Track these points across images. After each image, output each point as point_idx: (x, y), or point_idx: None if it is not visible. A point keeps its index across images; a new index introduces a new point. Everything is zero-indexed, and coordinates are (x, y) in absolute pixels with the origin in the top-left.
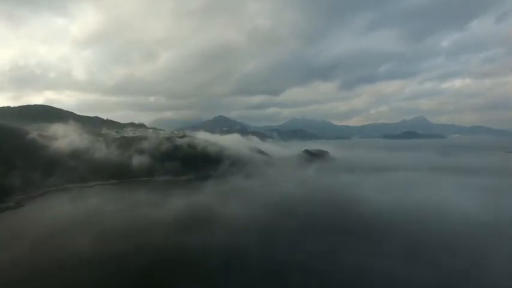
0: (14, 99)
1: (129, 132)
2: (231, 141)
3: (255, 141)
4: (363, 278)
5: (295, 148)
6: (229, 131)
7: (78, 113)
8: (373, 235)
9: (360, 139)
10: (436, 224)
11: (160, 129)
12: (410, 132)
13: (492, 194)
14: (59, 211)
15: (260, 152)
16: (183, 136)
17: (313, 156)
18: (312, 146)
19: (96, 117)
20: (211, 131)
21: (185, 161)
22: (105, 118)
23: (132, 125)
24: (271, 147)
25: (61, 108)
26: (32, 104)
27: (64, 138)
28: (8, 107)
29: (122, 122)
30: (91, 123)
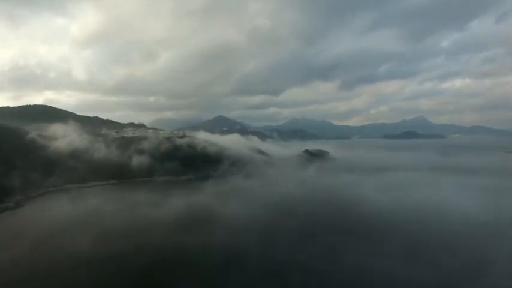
0: (14, 99)
1: (129, 133)
2: (231, 141)
3: (255, 141)
4: (363, 278)
5: (295, 148)
6: (229, 131)
7: (78, 113)
8: (373, 235)
9: (360, 139)
10: (436, 224)
11: (160, 129)
12: (410, 132)
13: (492, 194)
14: (58, 211)
15: (260, 152)
16: (183, 136)
17: (313, 156)
18: (312, 146)
19: (96, 117)
20: (211, 131)
21: (185, 161)
22: (105, 118)
23: (132, 125)
24: (271, 147)
25: (61, 108)
26: (31, 104)
27: (64, 138)
28: (8, 107)
29: (121, 122)
30: (91, 123)
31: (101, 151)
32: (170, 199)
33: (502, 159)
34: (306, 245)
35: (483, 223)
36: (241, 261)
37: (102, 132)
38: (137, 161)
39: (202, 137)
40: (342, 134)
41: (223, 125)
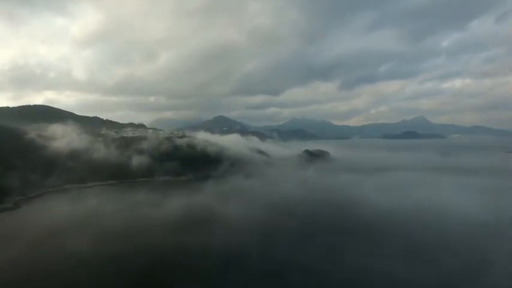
0: (14, 99)
1: (129, 133)
2: (230, 142)
3: (255, 142)
4: (363, 278)
5: (295, 148)
6: (229, 131)
7: (78, 113)
8: (373, 235)
9: (360, 139)
10: (436, 224)
11: (160, 129)
12: (410, 132)
13: (492, 194)
14: (57, 212)
15: (260, 152)
16: (183, 136)
17: (313, 156)
18: (312, 146)
19: (96, 117)
20: (211, 131)
21: (185, 161)
22: (104, 118)
23: (131, 125)
24: (271, 147)
25: (61, 108)
26: (31, 104)
27: (63, 138)
28: (7, 107)
29: (121, 122)
30: (90, 124)
31: (101, 151)
32: (170, 199)
33: (502, 159)
34: (306, 245)
35: (483, 223)
36: (241, 261)
37: (102, 132)
38: (137, 161)
39: (202, 137)
40: (342, 134)
41: (223, 125)
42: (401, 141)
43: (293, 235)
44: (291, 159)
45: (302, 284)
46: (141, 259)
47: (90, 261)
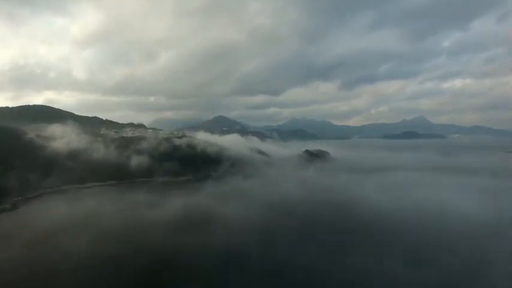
0: (14, 99)
1: (128, 133)
2: (230, 142)
3: (254, 142)
4: (363, 278)
5: (295, 148)
6: (229, 131)
7: (77, 113)
8: (373, 235)
9: (360, 139)
10: (436, 224)
11: (160, 130)
12: (410, 132)
13: (492, 194)
14: (55, 213)
15: (260, 152)
16: (182, 136)
17: (314, 156)
18: (312, 146)
19: (95, 117)
20: (211, 131)
21: (184, 162)
22: (104, 118)
23: (131, 125)
24: (271, 147)
25: (61, 108)
26: (31, 104)
27: (62, 138)
28: (7, 107)
29: (121, 122)
30: (90, 124)
31: (100, 151)
32: (169, 200)
33: (502, 159)
34: (306, 245)
35: (483, 223)
36: (241, 261)
37: (101, 132)
38: (136, 161)
39: (202, 137)
40: (342, 134)
41: (223, 125)
42: (401, 141)
43: (293, 235)
44: (291, 159)
45: (302, 284)
46: (140, 259)
47: (89, 262)
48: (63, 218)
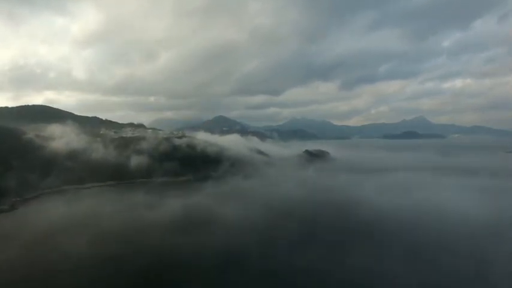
0: (14, 99)
1: (128, 133)
2: (230, 142)
3: (254, 142)
4: (363, 278)
5: (295, 148)
6: (229, 131)
7: (77, 113)
8: (374, 235)
9: (360, 139)
10: (436, 224)
11: (160, 130)
12: (410, 132)
13: (492, 195)
14: (54, 214)
15: (260, 152)
16: (182, 136)
17: (314, 156)
18: (312, 146)
19: (95, 117)
20: (211, 131)
21: (184, 162)
22: (104, 118)
23: (131, 125)
24: (271, 147)
25: (61, 108)
26: (31, 104)
27: (61, 138)
28: (6, 107)
29: (121, 122)
30: (89, 124)
31: (99, 152)
32: (169, 200)
33: (502, 160)
34: (306, 245)
35: (483, 223)
36: (241, 261)
37: (101, 132)
38: (136, 161)
39: (202, 137)
40: (342, 134)
41: (223, 125)
42: (401, 141)
43: (293, 235)
44: (291, 159)
45: (302, 284)
46: (140, 260)
47: (89, 263)
48: (62, 219)
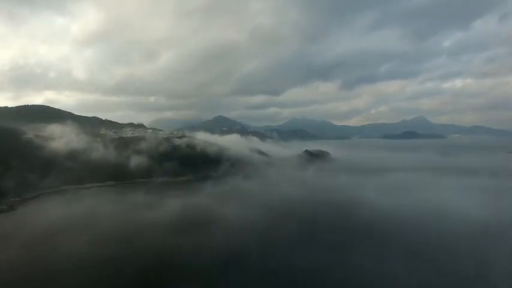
0: (14, 99)
1: (128, 133)
2: (230, 142)
3: (254, 142)
4: (363, 278)
5: (295, 148)
6: (229, 131)
7: (77, 113)
8: (374, 236)
9: (360, 139)
10: (436, 224)
11: (160, 130)
12: (410, 132)
13: (492, 195)
14: (53, 214)
15: (260, 152)
16: (182, 136)
17: (314, 156)
18: (312, 146)
19: (95, 117)
20: (211, 131)
21: (184, 162)
22: (104, 118)
23: (131, 125)
24: (271, 147)
25: (61, 108)
26: (30, 104)
27: (61, 138)
28: (6, 107)
29: (121, 122)
30: (89, 124)
31: (99, 152)
32: (169, 200)
33: (503, 160)
34: (306, 245)
35: (483, 224)
36: (241, 261)
37: (101, 132)
38: (135, 161)
39: (202, 137)
40: (342, 134)
41: (223, 125)
42: (401, 141)
43: (293, 235)
44: (291, 159)
45: (302, 284)
46: (140, 260)
47: (89, 263)
48: (62, 219)
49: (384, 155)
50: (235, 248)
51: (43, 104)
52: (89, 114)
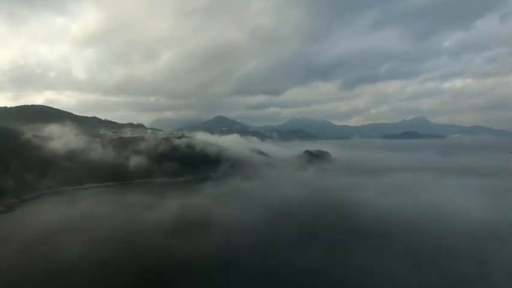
0: (14, 99)
1: (127, 133)
2: (230, 142)
3: (254, 142)
4: (363, 278)
5: (295, 148)
6: (229, 131)
7: (77, 114)
8: (374, 236)
9: (360, 139)
10: (436, 224)
11: (159, 130)
12: (410, 132)
13: (492, 195)
14: (52, 215)
15: (260, 152)
16: (182, 136)
17: (314, 156)
18: (312, 146)
19: (94, 117)
20: (211, 131)
21: (183, 162)
22: (104, 118)
23: (130, 125)
24: (271, 147)
25: (61, 108)
26: (30, 104)
27: (60, 139)
28: (5, 107)
29: (121, 122)
30: (89, 124)
31: (98, 152)
32: (168, 201)
33: (503, 160)
34: (306, 245)
35: (483, 224)
36: (242, 262)
37: (100, 132)
38: (134, 162)
39: (201, 137)
40: (342, 134)
41: (222, 125)
42: (401, 141)
43: (293, 236)
44: (291, 159)
45: (302, 285)
46: (140, 260)
47: (88, 264)
48: (61, 220)
49: (384, 155)
50: (235, 248)
51: (43, 104)
52: (89, 114)
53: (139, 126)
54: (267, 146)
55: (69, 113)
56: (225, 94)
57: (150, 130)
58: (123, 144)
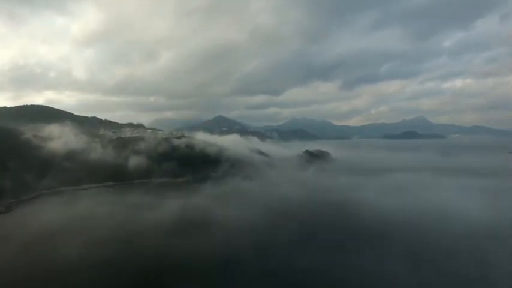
0: (14, 99)
1: (127, 133)
2: (230, 142)
3: (254, 142)
4: (363, 278)
5: (295, 148)
6: (229, 131)
7: (77, 113)
8: (374, 236)
9: (360, 139)
10: (436, 225)
11: (159, 130)
12: (410, 132)
13: (492, 195)
14: (51, 215)
15: (260, 152)
16: (182, 137)
17: (314, 156)
18: (312, 146)
19: (94, 117)
20: (211, 131)
21: (183, 163)
22: (103, 118)
23: (130, 125)
24: (271, 147)
25: (61, 108)
26: (30, 104)
27: (59, 139)
28: (5, 107)
29: (121, 122)
30: (88, 124)
31: (97, 152)
32: (168, 201)
33: (503, 160)
34: (306, 245)
35: (483, 224)
36: (242, 262)
37: (100, 132)
38: (134, 162)
39: (201, 137)
40: (342, 134)
41: (222, 125)
42: (401, 141)
43: (293, 236)
44: (291, 159)
45: (302, 285)
46: (140, 260)
47: (88, 264)
48: (60, 220)
49: (384, 155)
50: (235, 248)
51: (43, 104)
52: (89, 114)
53: (139, 126)
54: (267, 146)
55: (69, 113)
56: (225, 94)
57: (150, 130)
58: (122, 144)
